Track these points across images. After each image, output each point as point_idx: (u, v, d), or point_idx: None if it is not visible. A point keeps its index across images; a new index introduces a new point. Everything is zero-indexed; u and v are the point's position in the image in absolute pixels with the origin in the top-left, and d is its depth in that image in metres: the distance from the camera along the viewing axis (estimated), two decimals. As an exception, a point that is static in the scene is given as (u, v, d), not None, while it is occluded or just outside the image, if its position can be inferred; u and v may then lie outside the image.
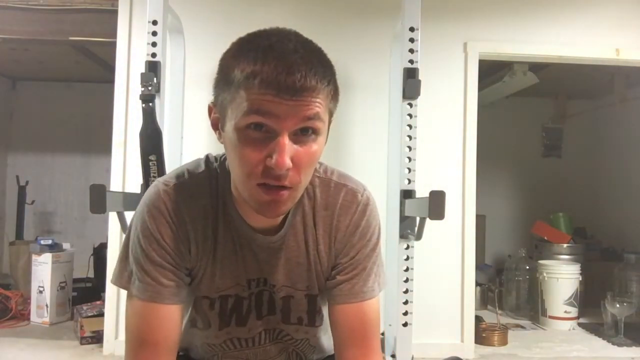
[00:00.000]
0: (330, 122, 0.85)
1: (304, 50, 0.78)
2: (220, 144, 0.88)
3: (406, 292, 2.13)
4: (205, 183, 0.92)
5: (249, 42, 0.80)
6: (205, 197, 0.92)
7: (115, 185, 2.82)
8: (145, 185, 2.00)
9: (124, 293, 0.94)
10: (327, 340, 1.07)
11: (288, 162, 0.77)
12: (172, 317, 0.90)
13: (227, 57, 0.82)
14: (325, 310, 1.01)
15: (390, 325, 2.28)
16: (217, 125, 0.86)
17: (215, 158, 0.96)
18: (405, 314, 2.12)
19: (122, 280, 0.92)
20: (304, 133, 0.80)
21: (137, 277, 0.90)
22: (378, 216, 1.00)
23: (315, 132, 0.81)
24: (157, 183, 0.93)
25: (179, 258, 0.90)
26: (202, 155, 0.98)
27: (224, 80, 0.81)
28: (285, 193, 0.82)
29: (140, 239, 0.89)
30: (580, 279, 3.56)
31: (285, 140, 0.77)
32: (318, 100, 0.78)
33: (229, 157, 0.85)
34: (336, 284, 0.96)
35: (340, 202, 0.96)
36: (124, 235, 1.06)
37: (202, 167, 0.94)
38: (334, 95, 0.83)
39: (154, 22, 2.14)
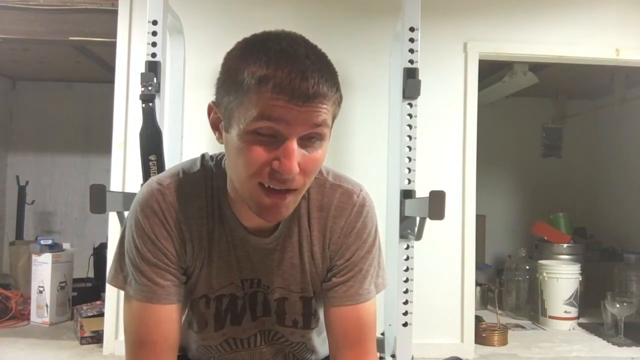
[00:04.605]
0: (332, 126, 0.84)
1: (314, 56, 0.77)
2: (220, 144, 0.87)
3: (406, 292, 2.13)
4: (200, 183, 0.91)
5: (258, 45, 0.79)
6: (200, 197, 0.91)
7: (115, 185, 2.82)
8: (146, 185, 2.00)
9: (123, 293, 0.93)
10: (321, 342, 1.06)
11: (296, 167, 0.77)
12: (170, 316, 0.90)
13: (233, 58, 0.81)
14: (321, 313, 1.01)
15: (390, 325, 2.28)
16: (217, 125, 0.85)
17: (212, 157, 0.95)
18: (405, 314, 2.12)
19: (118, 281, 0.92)
20: (310, 138, 0.79)
21: (133, 277, 0.89)
22: (375, 217, 0.98)
23: (321, 137, 0.80)
24: (151, 182, 0.92)
25: (175, 258, 0.90)
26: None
27: (230, 82, 0.79)
28: (289, 196, 0.81)
29: (135, 239, 0.89)
30: (580, 279, 3.56)
31: (294, 145, 0.77)
32: (327, 106, 0.78)
33: (231, 158, 0.83)
34: (332, 286, 0.95)
35: (335, 204, 0.95)
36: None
37: (198, 166, 0.93)
38: (340, 101, 0.82)
39: (154, 22, 2.14)
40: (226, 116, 0.81)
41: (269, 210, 0.82)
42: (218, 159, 0.94)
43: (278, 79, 0.74)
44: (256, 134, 0.77)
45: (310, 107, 0.76)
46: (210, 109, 0.86)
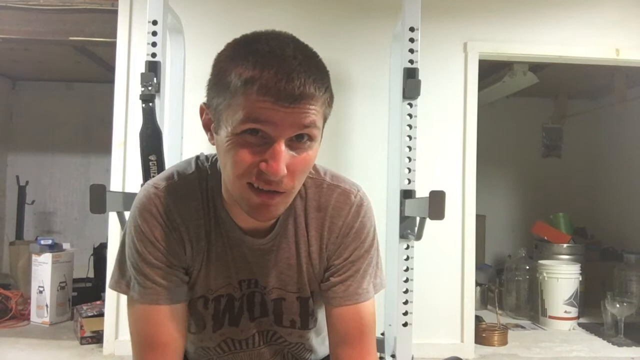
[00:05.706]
0: (323, 127, 0.83)
1: (302, 56, 0.77)
2: (213, 145, 0.86)
3: (406, 292, 2.13)
4: (195, 184, 0.91)
5: (246, 46, 0.78)
6: (196, 199, 0.91)
7: (115, 185, 2.82)
8: (145, 185, 2.00)
9: (126, 298, 0.93)
10: (319, 342, 1.06)
11: (283, 169, 0.77)
12: (176, 316, 0.90)
13: (222, 60, 0.80)
14: (319, 313, 1.01)
15: (390, 325, 2.28)
16: (209, 126, 0.85)
17: (207, 158, 0.95)
18: (405, 314, 2.12)
19: (121, 286, 0.92)
20: (300, 140, 0.79)
21: (136, 281, 0.89)
22: (373, 217, 0.98)
23: (311, 139, 0.80)
24: (147, 186, 0.92)
25: (175, 259, 0.90)
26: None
27: (219, 83, 0.79)
28: (277, 197, 0.81)
29: (135, 243, 0.89)
30: (580, 279, 3.56)
31: (282, 147, 0.76)
32: (315, 107, 0.77)
33: (221, 159, 0.83)
34: (330, 286, 0.95)
35: (332, 204, 0.94)
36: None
37: (192, 168, 0.93)
38: (330, 102, 0.82)
39: (154, 22, 2.14)
40: (216, 118, 0.81)
41: (259, 209, 0.82)
42: (213, 160, 0.94)
43: (264, 81, 0.74)
44: (243, 136, 0.77)
45: (297, 108, 0.75)
46: (202, 110, 0.86)
